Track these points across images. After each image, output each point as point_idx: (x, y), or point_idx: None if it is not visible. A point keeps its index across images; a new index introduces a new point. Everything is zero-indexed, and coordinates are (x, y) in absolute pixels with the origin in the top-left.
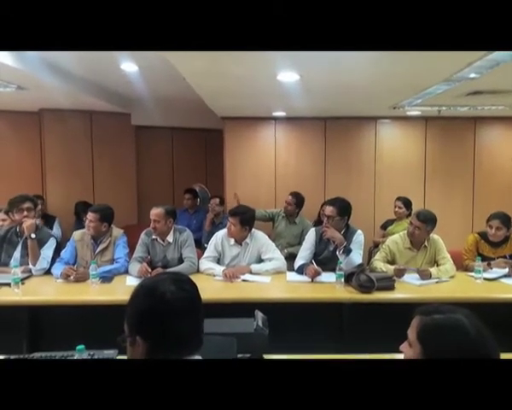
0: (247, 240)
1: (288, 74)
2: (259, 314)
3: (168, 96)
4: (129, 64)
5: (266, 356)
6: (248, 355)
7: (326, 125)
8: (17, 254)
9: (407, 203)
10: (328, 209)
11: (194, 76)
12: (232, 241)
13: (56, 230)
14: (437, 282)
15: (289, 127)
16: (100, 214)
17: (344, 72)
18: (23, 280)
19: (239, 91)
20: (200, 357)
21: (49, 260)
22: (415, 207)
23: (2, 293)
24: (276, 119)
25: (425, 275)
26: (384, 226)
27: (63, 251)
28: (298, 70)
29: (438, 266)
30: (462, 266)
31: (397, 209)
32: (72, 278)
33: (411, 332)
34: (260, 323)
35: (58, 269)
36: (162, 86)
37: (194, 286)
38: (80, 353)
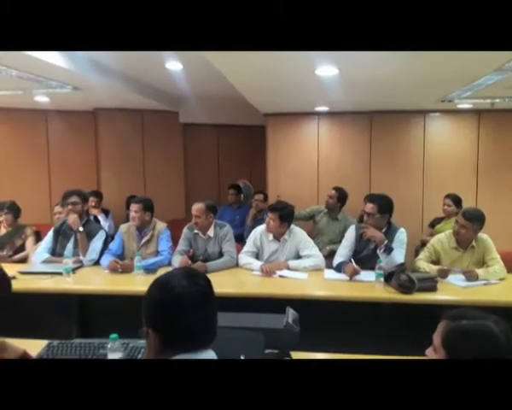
0: (286, 236)
1: (327, 68)
2: (290, 311)
3: (213, 93)
4: (173, 63)
5: (294, 353)
6: (276, 351)
7: (371, 119)
8: (70, 245)
9: (457, 201)
10: (369, 206)
11: (233, 74)
12: (271, 236)
13: (110, 222)
14: (484, 284)
15: (333, 122)
16: (143, 204)
17: (385, 65)
18: (74, 270)
19: (278, 87)
20: (213, 352)
21: (98, 251)
22: (466, 205)
23: (55, 281)
24: (318, 114)
25: (471, 276)
26: (432, 224)
27: (111, 243)
28: (337, 64)
29: (487, 267)
30: None
31: (446, 207)
32: (118, 269)
33: (436, 337)
34: (290, 320)
35: (106, 260)
36: (207, 84)
37: (207, 282)
38: (113, 341)
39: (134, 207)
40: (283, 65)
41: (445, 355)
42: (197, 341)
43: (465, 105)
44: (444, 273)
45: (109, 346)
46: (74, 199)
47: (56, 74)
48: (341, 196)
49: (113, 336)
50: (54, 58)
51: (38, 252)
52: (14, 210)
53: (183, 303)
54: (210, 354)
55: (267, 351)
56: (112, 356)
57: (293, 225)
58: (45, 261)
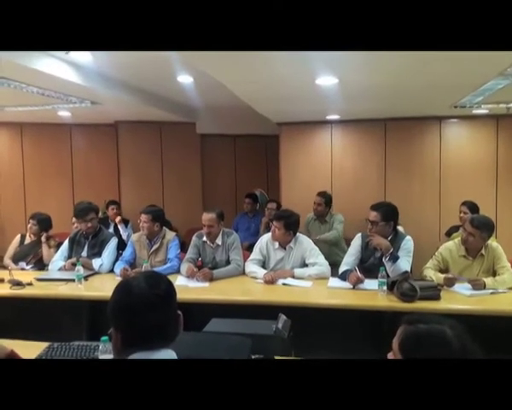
0: (291, 244)
1: (327, 78)
2: (282, 317)
3: (227, 104)
4: (184, 76)
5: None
6: (262, 356)
7: (386, 126)
8: (84, 253)
9: (473, 208)
10: (372, 214)
11: (234, 84)
12: (276, 245)
13: (129, 231)
14: (491, 293)
15: (346, 130)
16: (152, 215)
17: (385, 72)
18: (87, 277)
19: (280, 96)
20: (172, 352)
21: (112, 260)
22: (485, 213)
23: (69, 288)
24: (331, 122)
25: (477, 285)
26: (448, 233)
27: (125, 251)
28: (335, 73)
29: (496, 276)
30: None
31: (462, 215)
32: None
33: (395, 342)
34: (280, 326)
35: (119, 267)
36: (219, 95)
37: (169, 286)
38: (104, 343)
39: (143, 217)
40: (282, 73)
41: (401, 358)
42: (151, 341)
43: (481, 110)
44: (450, 282)
45: (100, 347)
46: (92, 215)
47: (73, 90)
48: (328, 200)
49: (104, 338)
50: (69, 75)
51: (55, 260)
52: (43, 223)
53: (138, 304)
54: (167, 354)
55: (254, 356)
56: (103, 357)
57: (299, 234)
58: (61, 268)
